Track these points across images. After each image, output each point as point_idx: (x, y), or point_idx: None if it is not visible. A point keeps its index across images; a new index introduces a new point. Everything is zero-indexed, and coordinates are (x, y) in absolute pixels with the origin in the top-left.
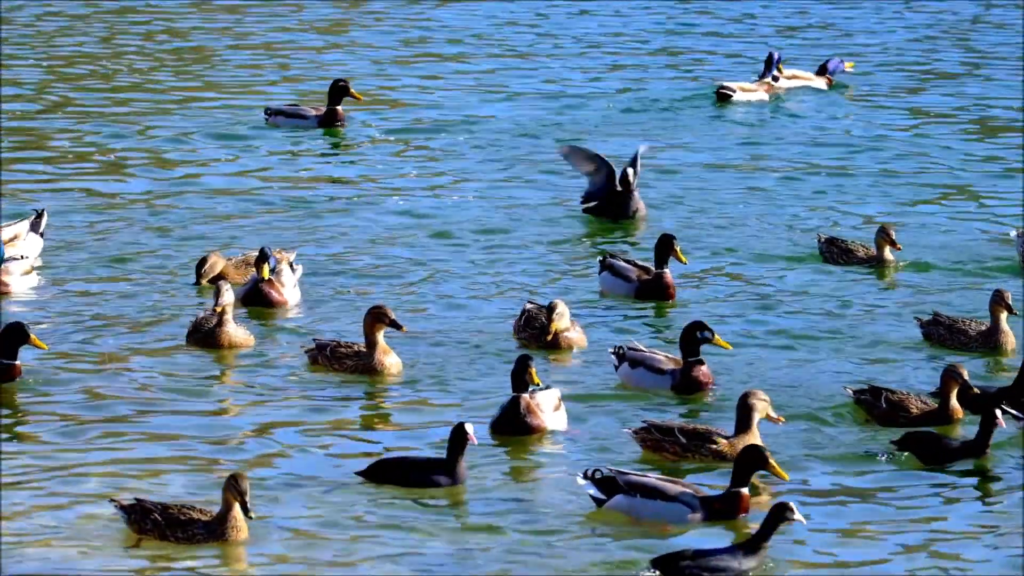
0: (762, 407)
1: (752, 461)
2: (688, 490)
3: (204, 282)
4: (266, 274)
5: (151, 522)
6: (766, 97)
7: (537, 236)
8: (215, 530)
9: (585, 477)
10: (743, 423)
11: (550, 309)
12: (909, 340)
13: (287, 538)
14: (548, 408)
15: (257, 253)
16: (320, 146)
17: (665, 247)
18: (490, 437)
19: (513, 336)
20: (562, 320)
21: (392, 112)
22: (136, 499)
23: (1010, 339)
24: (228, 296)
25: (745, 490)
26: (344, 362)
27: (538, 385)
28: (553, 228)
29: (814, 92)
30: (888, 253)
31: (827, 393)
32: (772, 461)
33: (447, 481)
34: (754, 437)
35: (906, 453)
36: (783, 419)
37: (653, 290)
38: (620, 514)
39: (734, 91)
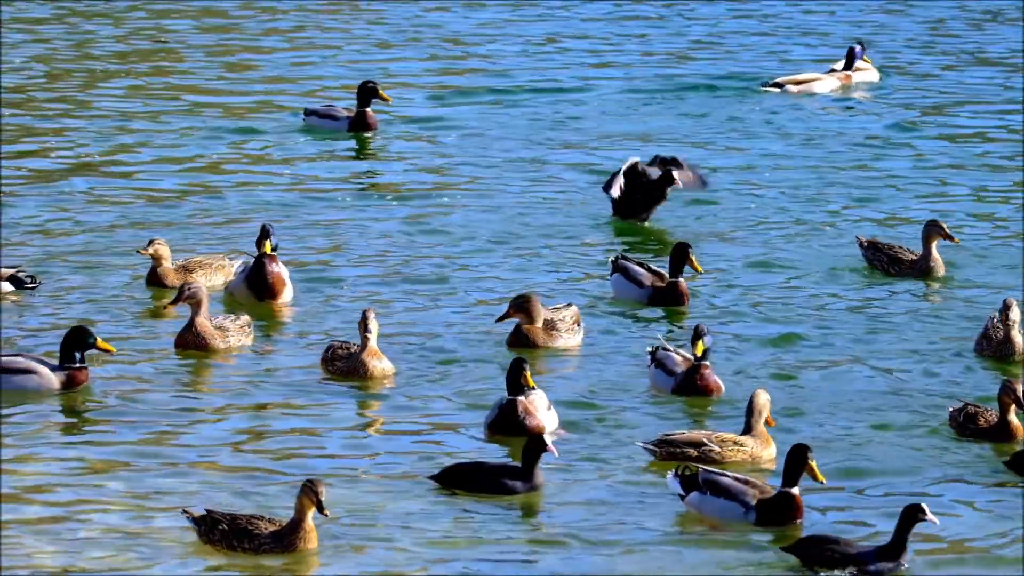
0: (767, 409)
1: (798, 460)
2: (751, 491)
3: (142, 252)
4: (268, 249)
5: (219, 532)
6: (829, 88)
7: (547, 236)
8: (283, 539)
9: (675, 475)
10: (749, 423)
11: (516, 298)
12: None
13: (356, 545)
14: (542, 408)
15: (218, 256)
16: (336, 146)
17: (681, 255)
18: (487, 438)
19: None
20: (537, 318)
21: (399, 109)
22: (207, 510)
23: (1017, 345)
24: (201, 294)
25: (796, 490)
26: (335, 363)
27: (533, 388)
28: (563, 228)
29: (873, 86)
30: (936, 251)
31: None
32: (812, 463)
33: (523, 488)
34: (766, 437)
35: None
36: (773, 422)
37: (667, 299)
38: (694, 510)
39: (783, 86)
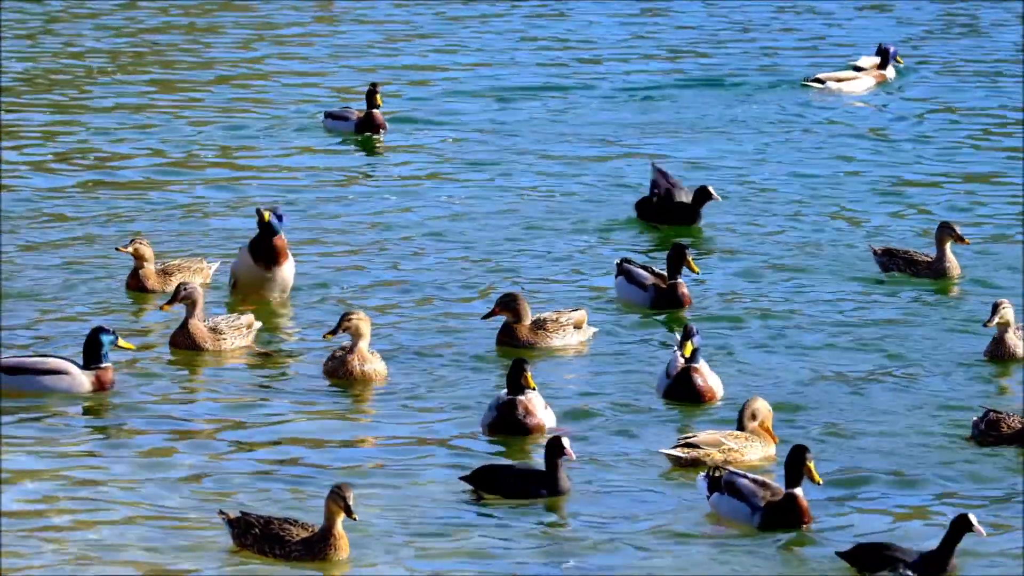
0: (770, 419)
1: (797, 460)
2: (762, 493)
3: (122, 250)
4: (267, 217)
5: (251, 537)
6: (865, 86)
7: (553, 238)
8: (314, 547)
9: (706, 476)
10: (742, 423)
11: (503, 296)
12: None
13: (391, 549)
14: (540, 407)
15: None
16: (342, 147)
17: (678, 257)
18: (487, 438)
19: None
20: (524, 316)
21: (408, 109)
22: (242, 512)
23: (1007, 349)
24: (197, 295)
25: (799, 491)
26: (328, 362)
27: (534, 388)
28: (569, 229)
29: (889, 85)
30: (950, 252)
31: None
32: (810, 464)
33: (549, 493)
34: (766, 435)
35: None
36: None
37: (667, 301)
38: (714, 511)
39: (824, 82)
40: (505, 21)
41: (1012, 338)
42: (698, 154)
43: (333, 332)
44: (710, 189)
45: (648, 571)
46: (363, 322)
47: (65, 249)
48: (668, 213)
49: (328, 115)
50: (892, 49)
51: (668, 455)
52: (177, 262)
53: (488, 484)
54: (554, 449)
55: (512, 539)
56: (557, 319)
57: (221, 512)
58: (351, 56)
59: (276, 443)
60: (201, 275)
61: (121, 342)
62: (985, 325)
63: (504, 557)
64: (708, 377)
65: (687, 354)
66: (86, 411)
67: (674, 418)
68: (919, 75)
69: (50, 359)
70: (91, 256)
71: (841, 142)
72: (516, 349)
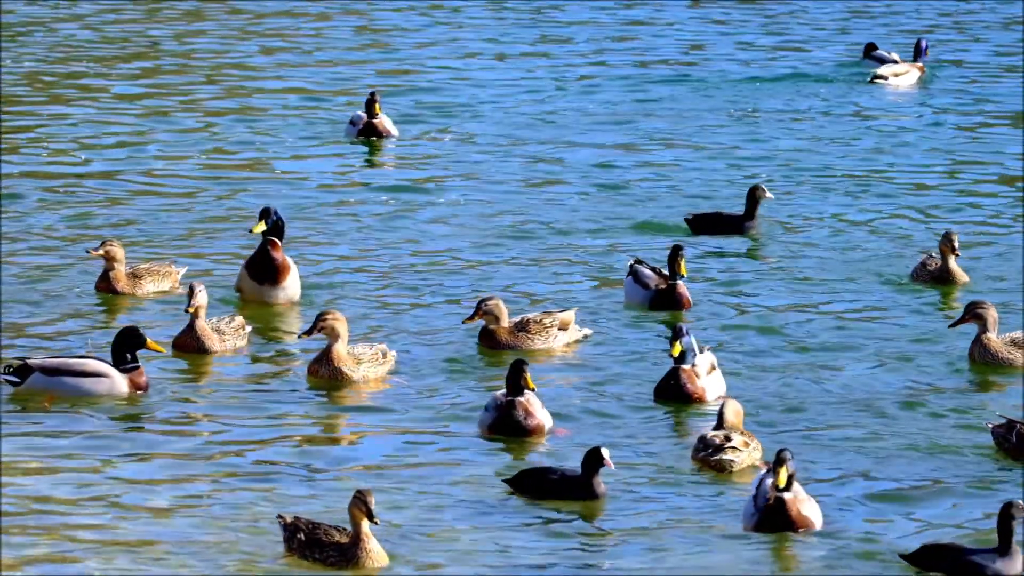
0: (740, 419)
1: (776, 463)
2: (771, 493)
3: (92, 253)
4: (257, 230)
5: (296, 541)
6: (913, 80)
7: (558, 239)
8: (347, 553)
9: (764, 474)
10: (721, 425)
11: (482, 300)
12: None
13: (418, 552)
14: (538, 407)
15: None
16: (344, 152)
17: (673, 257)
18: (488, 439)
19: None
20: (503, 319)
21: (417, 105)
22: (295, 517)
23: (981, 349)
24: (202, 297)
25: (788, 496)
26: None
27: (533, 390)
28: (575, 231)
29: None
30: (953, 261)
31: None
32: (778, 468)
33: (585, 497)
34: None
35: None
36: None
37: (667, 302)
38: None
39: (886, 78)
40: (509, 19)
41: (991, 339)
42: (723, 151)
43: (309, 332)
44: (762, 188)
45: (680, 572)
46: (339, 322)
47: (42, 248)
48: (717, 225)
49: (351, 121)
50: (924, 43)
51: (710, 462)
52: (146, 266)
53: (527, 487)
54: (593, 459)
55: (542, 541)
56: (540, 321)
57: (280, 516)
58: (353, 55)
59: (272, 445)
60: (170, 279)
61: (150, 343)
62: (950, 327)
63: (534, 559)
64: (699, 378)
65: (675, 354)
66: (111, 416)
67: (663, 419)
68: (947, 70)
69: (89, 361)
70: (69, 257)
71: (878, 140)
72: (497, 352)
